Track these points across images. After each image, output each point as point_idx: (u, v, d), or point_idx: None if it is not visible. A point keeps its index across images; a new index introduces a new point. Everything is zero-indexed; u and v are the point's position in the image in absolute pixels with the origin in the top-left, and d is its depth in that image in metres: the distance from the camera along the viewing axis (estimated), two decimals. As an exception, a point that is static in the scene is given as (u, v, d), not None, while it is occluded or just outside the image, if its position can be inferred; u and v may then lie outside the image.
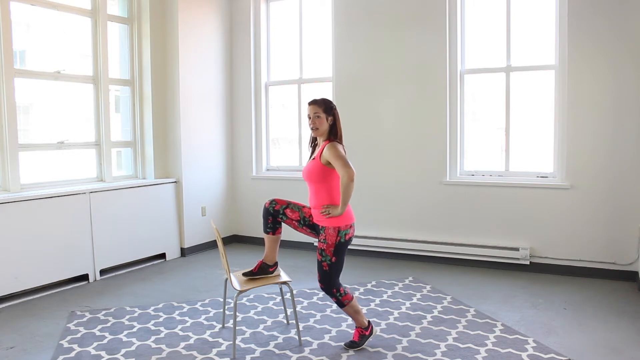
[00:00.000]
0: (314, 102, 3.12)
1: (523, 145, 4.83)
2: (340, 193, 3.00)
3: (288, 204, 3.19)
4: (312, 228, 3.18)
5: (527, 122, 4.81)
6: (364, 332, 3.15)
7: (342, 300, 3.06)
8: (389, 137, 5.21)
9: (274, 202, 3.18)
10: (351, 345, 3.13)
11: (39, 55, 4.58)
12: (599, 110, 4.39)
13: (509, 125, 4.82)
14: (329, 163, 3.02)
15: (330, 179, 3.04)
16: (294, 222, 3.19)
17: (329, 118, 3.09)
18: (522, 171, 4.81)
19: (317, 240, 3.33)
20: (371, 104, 5.27)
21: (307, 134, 5.80)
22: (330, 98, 5.46)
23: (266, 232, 3.21)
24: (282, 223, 3.21)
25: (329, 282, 3.04)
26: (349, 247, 5.27)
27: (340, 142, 3.11)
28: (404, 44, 5.08)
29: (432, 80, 4.98)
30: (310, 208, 3.18)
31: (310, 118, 3.10)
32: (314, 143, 3.24)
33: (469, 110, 5.06)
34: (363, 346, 3.13)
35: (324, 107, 3.10)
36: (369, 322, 3.19)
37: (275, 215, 3.17)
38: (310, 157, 3.21)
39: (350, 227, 3.05)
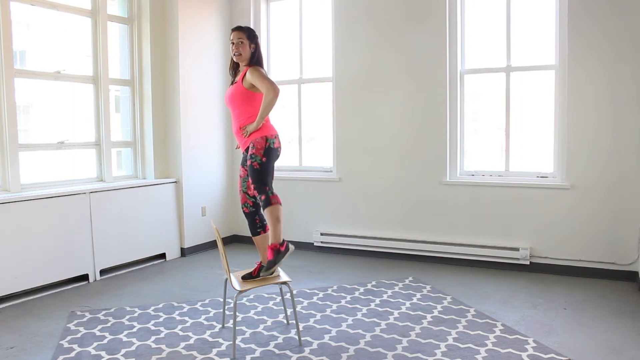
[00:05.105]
0: (238, 29, 3.24)
1: (523, 145, 4.83)
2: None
3: (244, 191, 3.28)
4: None
5: (527, 122, 4.81)
6: (279, 247, 3.06)
7: (271, 199, 3.07)
8: (389, 137, 5.21)
9: (245, 203, 3.26)
10: (268, 267, 3.04)
11: (39, 55, 4.57)
12: (599, 110, 4.39)
13: (509, 126, 4.82)
14: (252, 86, 3.14)
15: (254, 102, 3.15)
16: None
17: (252, 45, 3.21)
18: (522, 171, 4.80)
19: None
20: (371, 103, 5.27)
21: (307, 133, 5.83)
22: (330, 98, 5.51)
23: (258, 233, 3.24)
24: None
25: (261, 180, 3.09)
26: (347, 244, 5.34)
27: (262, 67, 3.22)
28: (404, 44, 5.08)
29: (432, 80, 4.98)
30: (242, 168, 3.29)
31: (233, 44, 3.21)
32: (234, 69, 3.33)
33: (469, 110, 5.06)
34: (280, 264, 3.05)
35: (248, 34, 3.22)
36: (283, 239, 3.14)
37: (257, 208, 3.25)
38: (232, 82, 3.30)
39: (276, 137, 3.19)
